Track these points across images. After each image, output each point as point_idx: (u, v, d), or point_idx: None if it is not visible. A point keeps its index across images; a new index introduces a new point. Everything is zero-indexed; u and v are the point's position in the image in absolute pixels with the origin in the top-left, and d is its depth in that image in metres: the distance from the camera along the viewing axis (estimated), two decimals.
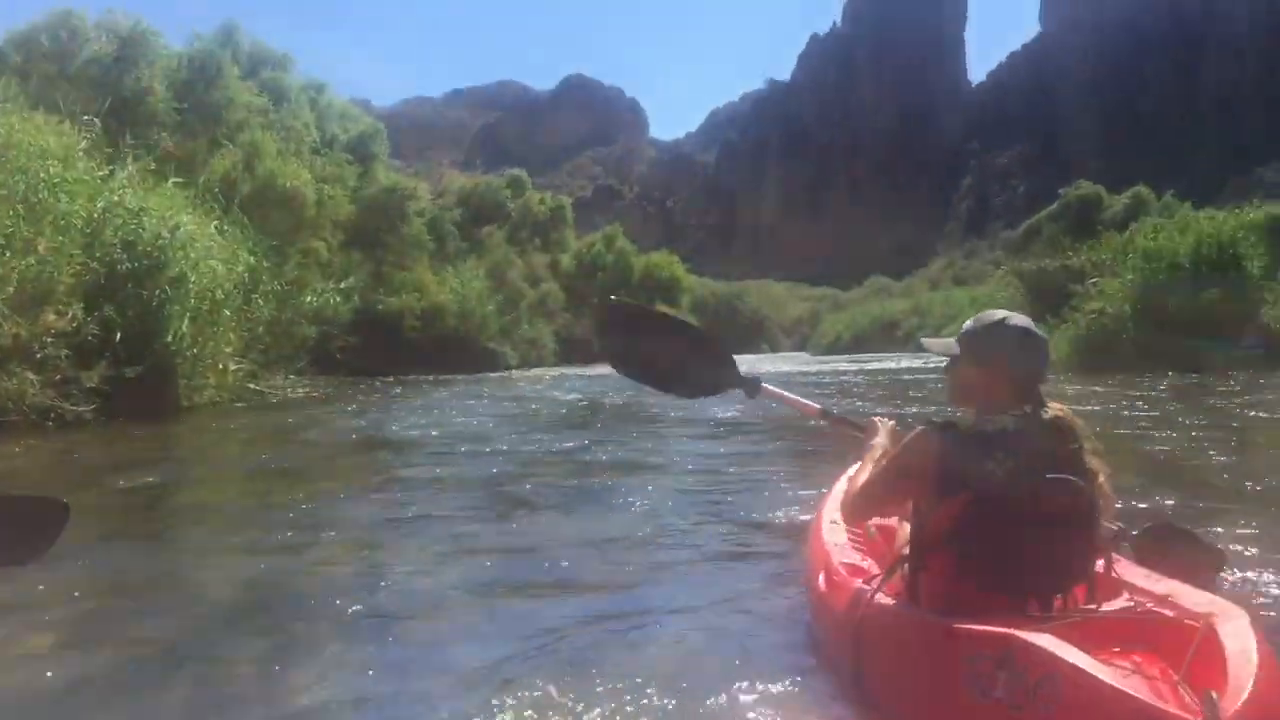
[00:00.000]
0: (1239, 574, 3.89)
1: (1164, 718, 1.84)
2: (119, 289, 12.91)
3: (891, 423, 3.44)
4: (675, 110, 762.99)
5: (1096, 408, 12.60)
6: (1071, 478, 2.52)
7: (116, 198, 13.80)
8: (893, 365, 36.81)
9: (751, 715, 2.67)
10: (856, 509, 2.98)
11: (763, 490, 6.66)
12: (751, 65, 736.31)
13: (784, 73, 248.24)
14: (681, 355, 3.55)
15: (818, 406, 3.76)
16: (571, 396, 19.10)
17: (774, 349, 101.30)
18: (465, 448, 10.00)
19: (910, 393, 17.29)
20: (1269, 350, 18.00)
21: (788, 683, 2.86)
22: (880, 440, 3.34)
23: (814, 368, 37.37)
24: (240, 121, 32.22)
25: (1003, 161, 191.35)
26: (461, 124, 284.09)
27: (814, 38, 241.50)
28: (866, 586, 2.80)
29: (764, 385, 3.73)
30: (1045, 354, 2.75)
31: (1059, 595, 2.56)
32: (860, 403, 15.18)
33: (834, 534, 3.42)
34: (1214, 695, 1.86)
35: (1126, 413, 12.00)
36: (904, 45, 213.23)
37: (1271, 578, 3.87)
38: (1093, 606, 2.53)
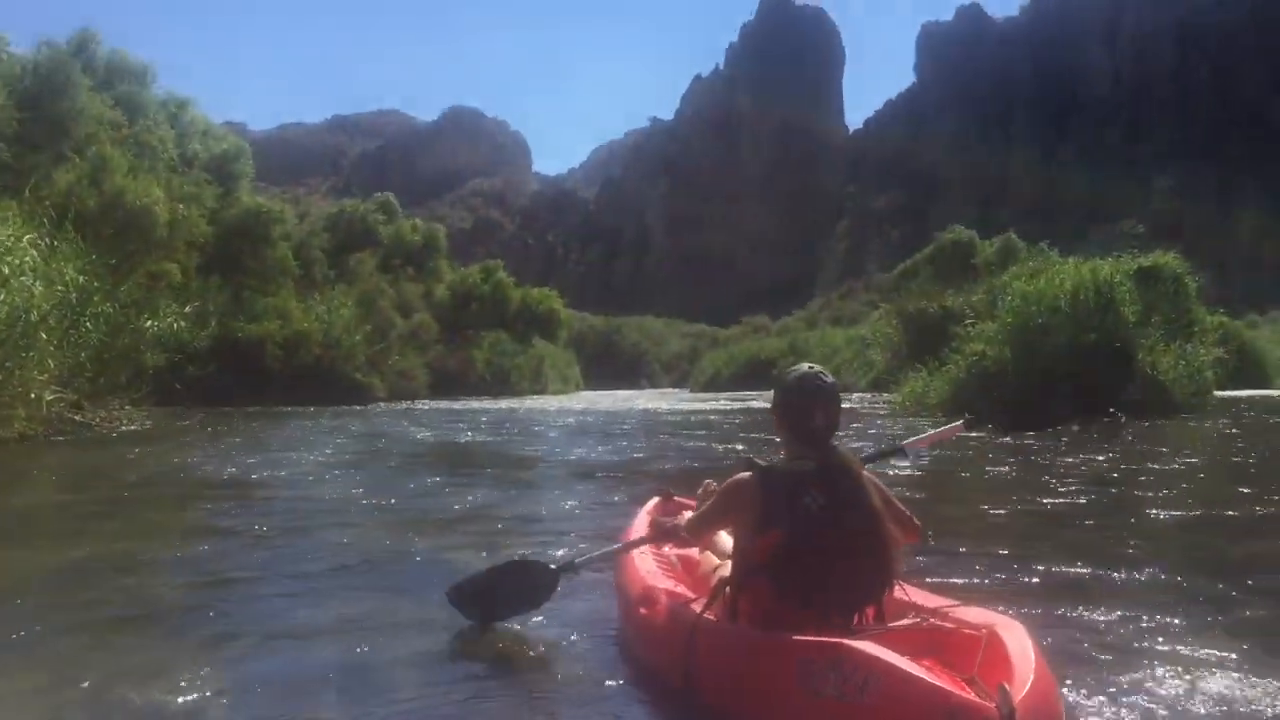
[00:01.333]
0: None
1: (970, 705, 2.24)
2: None
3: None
4: (559, 145, 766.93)
5: (983, 458, 12.07)
6: (872, 511, 2.99)
7: None
8: (767, 404, 36.38)
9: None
10: (696, 531, 3.53)
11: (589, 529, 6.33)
12: (636, 103, 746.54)
13: (668, 112, 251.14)
14: (516, 585, 4.05)
15: (616, 545, 4.19)
16: (431, 435, 17.90)
17: (653, 384, 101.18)
18: (290, 494, 8.86)
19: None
20: (1148, 399, 17.91)
21: (620, 697, 3.27)
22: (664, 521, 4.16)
23: (691, 406, 36.73)
24: (90, 135, 30.45)
25: (879, 206, 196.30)
26: (340, 151, 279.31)
27: (697, 79, 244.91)
28: (695, 607, 3.22)
29: (576, 561, 4.18)
30: (824, 400, 3.11)
31: (857, 614, 2.96)
32: (737, 445, 14.47)
33: (644, 563, 3.93)
34: (1006, 687, 2.25)
35: (1008, 458, 11.48)
36: (784, 89, 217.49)
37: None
38: (885, 624, 2.94)
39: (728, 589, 3.14)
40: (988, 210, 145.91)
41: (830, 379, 3.16)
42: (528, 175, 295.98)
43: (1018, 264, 30.68)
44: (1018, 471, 10.39)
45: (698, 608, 3.19)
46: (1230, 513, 7.37)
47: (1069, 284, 19.11)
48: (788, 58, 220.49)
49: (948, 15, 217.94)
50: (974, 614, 2.91)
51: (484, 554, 5.51)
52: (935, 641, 2.81)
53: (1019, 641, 2.61)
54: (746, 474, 3.07)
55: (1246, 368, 40.01)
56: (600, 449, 14.37)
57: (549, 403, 40.63)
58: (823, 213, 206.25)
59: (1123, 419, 17.16)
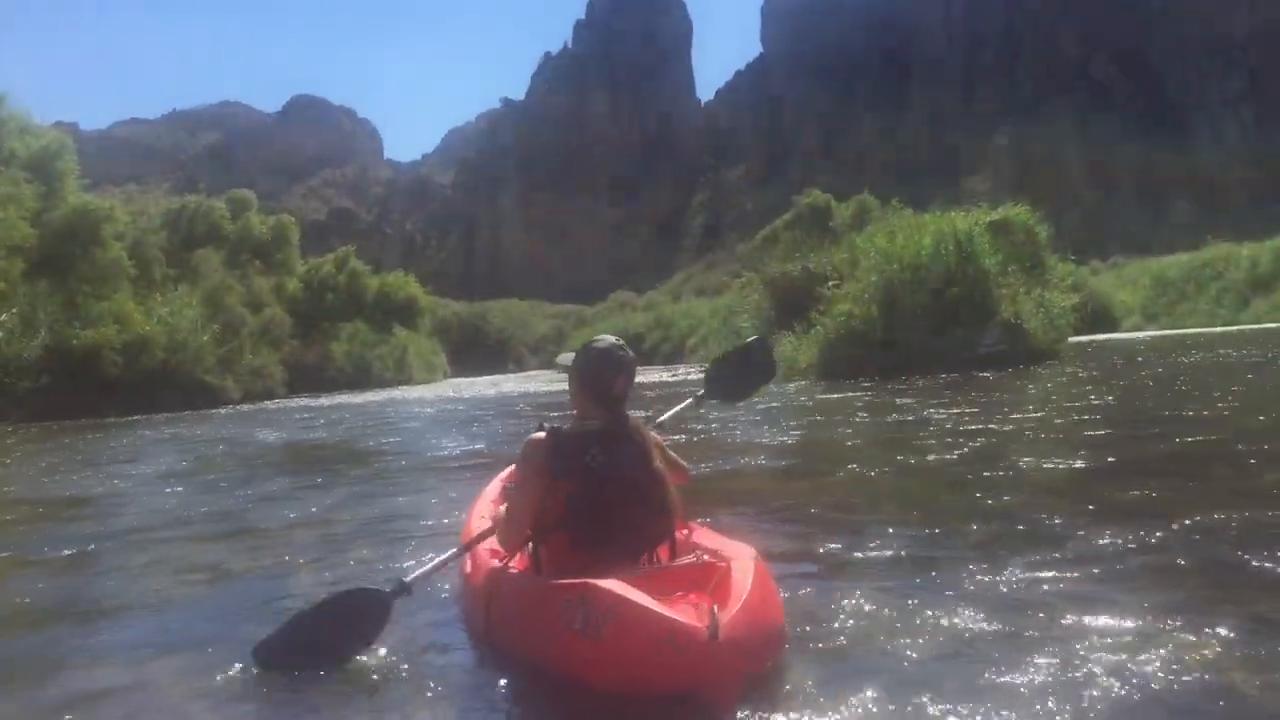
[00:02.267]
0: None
1: (682, 627, 2.59)
2: None
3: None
4: (412, 131, 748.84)
5: (856, 416, 11.82)
6: (653, 467, 3.34)
7: None
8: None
9: (406, 667, 3.28)
10: (509, 534, 3.46)
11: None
12: (487, 85, 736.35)
13: (519, 92, 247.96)
14: (338, 623, 3.49)
15: (452, 551, 3.92)
16: (281, 436, 16.83)
17: (520, 368, 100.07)
18: (105, 513, 7.96)
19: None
20: (1011, 348, 18.06)
21: (434, 645, 3.52)
22: (489, 487, 4.60)
23: (556, 386, 36.09)
24: None
25: (734, 177, 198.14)
26: (181, 146, 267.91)
27: (546, 56, 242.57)
28: (498, 563, 3.52)
29: (407, 580, 3.69)
30: (626, 371, 3.44)
31: (645, 555, 3.33)
32: None
33: (480, 525, 3.94)
34: (716, 610, 2.67)
35: (882, 417, 11.23)
36: (632, 65, 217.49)
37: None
38: (671, 562, 3.30)
39: (530, 545, 3.40)
40: (840, 175, 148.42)
41: (630, 353, 3.48)
42: (380, 163, 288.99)
43: (871, 224, 30.96)
44: (895, 429, 10.15)
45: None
46: (1110, 459, 7.16)
47: (928, 239, 19.12)
48: (635, 33, 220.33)
49: None
50: (732, 549, 3.29)
51: (323, 572, 4.84)
52: (697, 576, 3.05)
53: (743, 570, 3.01)
54: (540, 434, 3.35)
55: (1094, 312, 41.49)
56: (459, 438, 13.71)
57: (412, 393, 39.47)
58: (680, 186, 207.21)
59: (989, 371, 17.25)
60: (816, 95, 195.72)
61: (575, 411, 3.50)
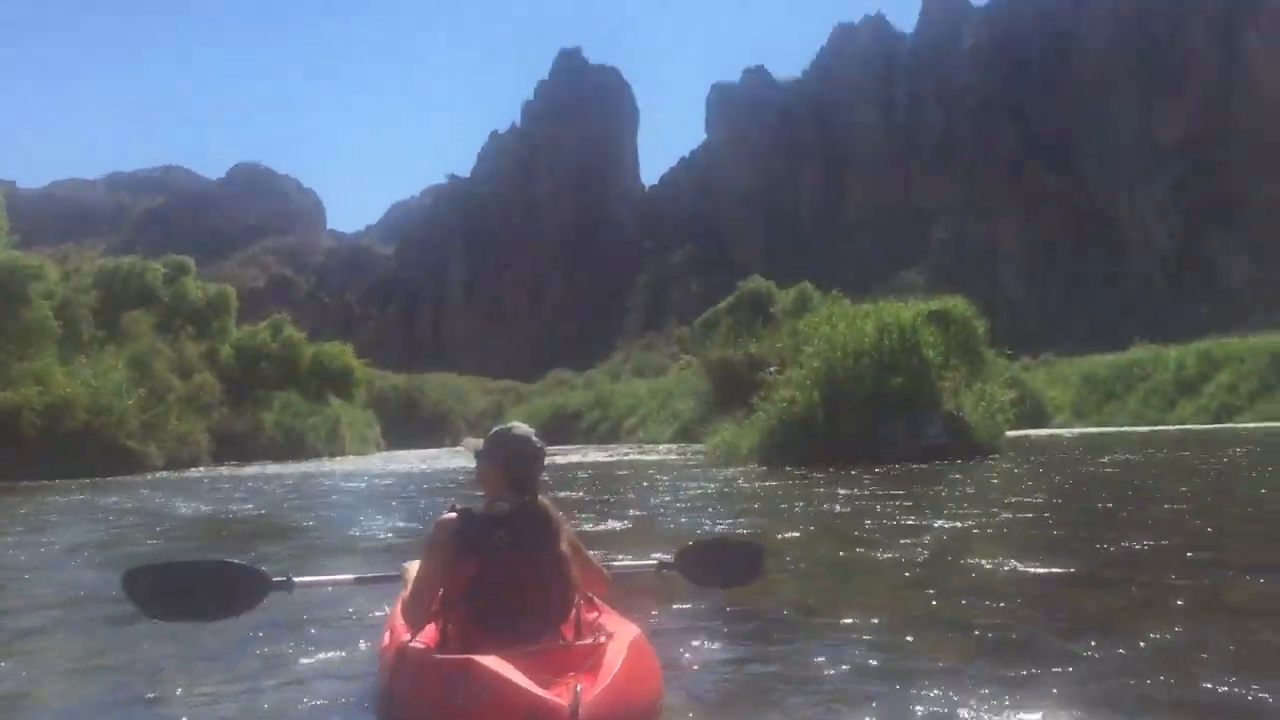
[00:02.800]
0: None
1: (545, 704, 2.76)
2: None
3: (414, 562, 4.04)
4: (355, 202, 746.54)
5: (801, 505, 11.59)
6: (559, 549, 3.57)
7: None
8: (578, 459, 35.52)
9: None
10: (414, 609, 3.61)
11: None
12: (433, 160, 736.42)
13: (465, 169, 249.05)
14: (214, 586, 3.71)
15: (349, 577, 4.29)
16: (193, 507, 16.13)
17: (456, 443, 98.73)
18: None
19: (598, 485, 15.87)
20: (953, 440, 17.99)
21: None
22: (411, 565, 4.11)
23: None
24: None
25: (676, 260, 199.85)
26: (121, 208, 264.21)
27: (494, 135, 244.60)
28: (406, 638, 3.54)
29: (295, 580, 4.00)
30: (540, 458, 3.69)
31: (546, 633, 3.42)
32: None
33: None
34: (579, 689, 2.80)
35: (829, 507, 11.03)
36: (579, 146, 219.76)
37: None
38: (574, 640, 3.43)
39: (437, 620, 3.55)
40: (780, 264, 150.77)
41: (540, 441, 3.71)
42: (322, 233, 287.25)
43: (811, 311, 31.14)
44: (843, 522, 9.92)
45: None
46: (1066, 563, 6.99)
47: (870, 327, 19.14)
48: (582, 115, 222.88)
49: (735, 77, 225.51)
50: (620, 628, 3.50)
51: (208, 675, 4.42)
52: (575, 655, 3.23)
53: (618, 650, 3.19)
54: (451, 514, 3.55)
55: (1029, 408, 41.97)
56: (384, 516, 13.15)
57: (344, 465, 38.59)
58: (621, 267, 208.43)
59: (931, 462, 17.18)
60: (759, 183, 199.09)
61: (485, 493, 3.68)
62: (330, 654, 4.49)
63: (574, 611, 3.56)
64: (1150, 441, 28.04)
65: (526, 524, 3.50)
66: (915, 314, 19.97)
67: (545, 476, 3.79)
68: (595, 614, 3.73)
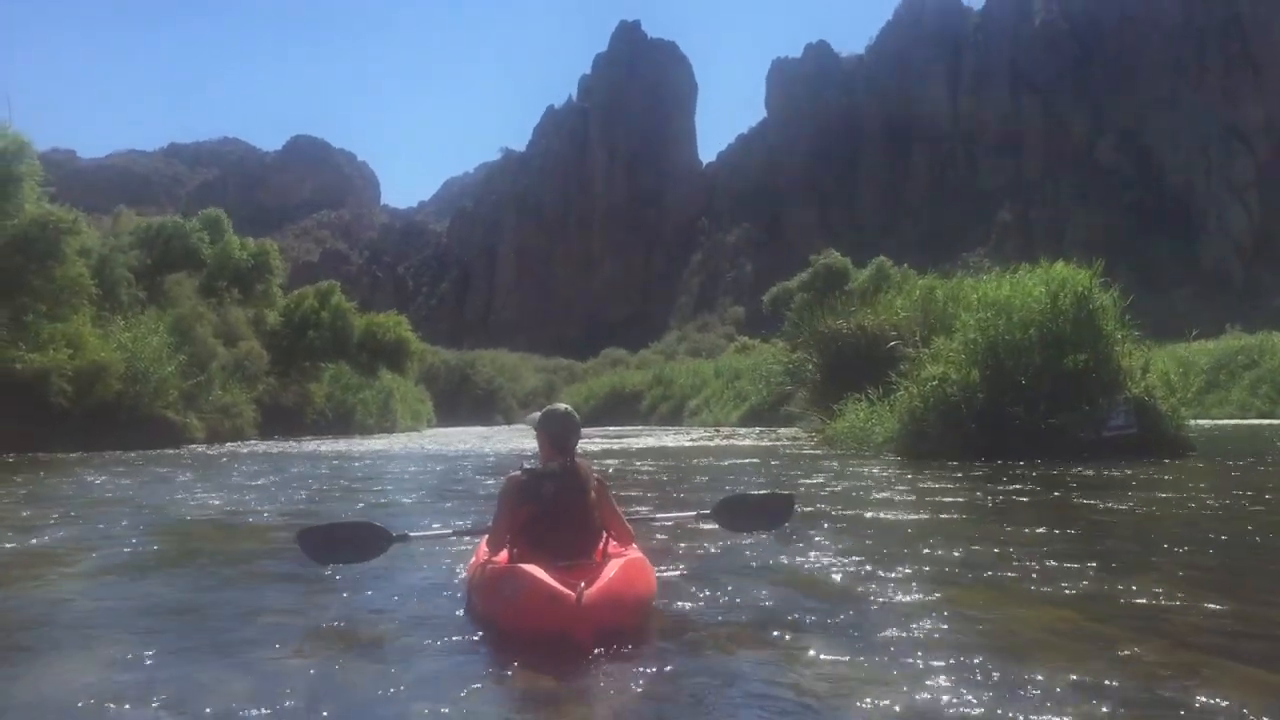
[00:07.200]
0: None
1: (558, 592, 4.04)
2: None
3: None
4: (409, 178, 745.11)
5: (988, 522, 8.41)
6: (588, 500, 4.97)
7: None
8: (653, 442, 32.33)
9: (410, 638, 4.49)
10: (493, 540, 5.09)
11: None
12: (488, 136, 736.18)
13: (520, 144, 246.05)
14: (356, 540, 5.49)
15: (450, 531, 6.26)
16: (233, 491, 13.27)
17: (509, 421, 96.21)
18: None
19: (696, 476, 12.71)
20: (1142, 433, 14.45)
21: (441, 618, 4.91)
22: None
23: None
24: None
25: (731, 240, 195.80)
26: (179, 180, 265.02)
27: (550, 110, 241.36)
28: (484, 559, 5.03)
29: (411, 534, 5.85)
30: (576, 430, 5.20)
31: (579, 555, 4.76)
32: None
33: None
34: (583, 584, 4.09)
35: (1026, 523, 7.83)
36: (637, 122, 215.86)
37: None
38: (593, 560, 4.81)
39: (508, 548, 4.90)
40: (835, 244, 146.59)
41: (577, 417, 5.27)
42: (376, 208, 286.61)
43: (891, 289, 27.84)
44: (1052, 546, 6.72)
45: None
46: None
47: (1039, 290, 15.65)
48: (640, 90, 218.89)
49: (796, 52, 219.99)
50: (629, 554, 4.96)
51: None
52: (597, 568, 4.51)
53: (617, 565, 4.51)
54: (516, 473, 5.08)
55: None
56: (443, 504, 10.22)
57: (396, 442, 35.85)
58: (676, 246, 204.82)
59: (1119, 460, 13.82)
60: (818, 162, 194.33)
61: (540, 455, 5.21)
62: (437, 577, 6.03)
63: (602, 542, 5.02)
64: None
65: (567, 479, 4.98)
66: (1091, 276, 16.36)
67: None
68: (618, 546, 5.13)
